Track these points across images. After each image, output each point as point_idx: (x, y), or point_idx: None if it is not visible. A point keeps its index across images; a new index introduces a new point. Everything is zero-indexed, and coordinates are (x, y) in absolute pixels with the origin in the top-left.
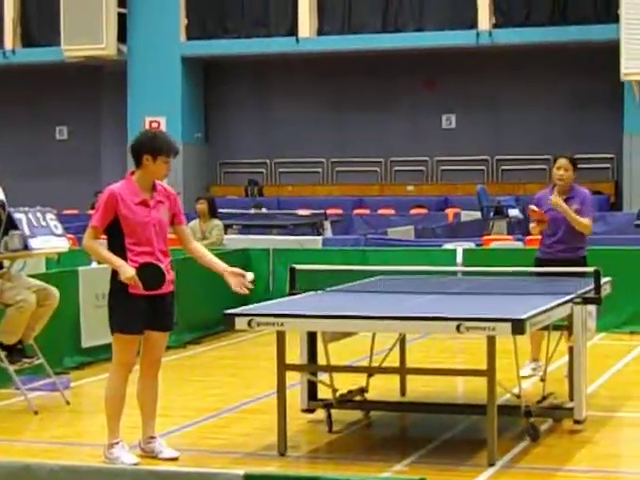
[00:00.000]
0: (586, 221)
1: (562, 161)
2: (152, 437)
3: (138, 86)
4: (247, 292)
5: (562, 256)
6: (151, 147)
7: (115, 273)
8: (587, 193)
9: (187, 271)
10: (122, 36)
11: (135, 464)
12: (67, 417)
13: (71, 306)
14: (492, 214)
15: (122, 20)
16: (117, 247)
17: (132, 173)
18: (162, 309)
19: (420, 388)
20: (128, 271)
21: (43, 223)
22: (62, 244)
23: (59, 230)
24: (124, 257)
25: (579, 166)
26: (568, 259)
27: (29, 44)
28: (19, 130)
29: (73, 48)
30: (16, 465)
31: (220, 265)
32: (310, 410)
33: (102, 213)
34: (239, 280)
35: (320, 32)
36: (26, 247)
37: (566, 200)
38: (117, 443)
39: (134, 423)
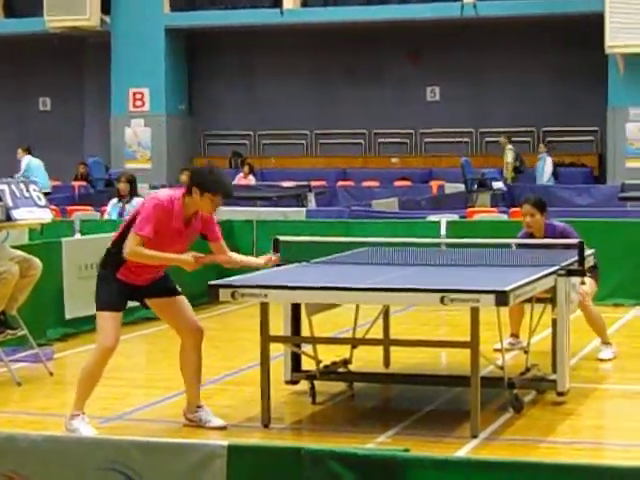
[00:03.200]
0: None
1: (526, 208)
2: (199, 406)
3: (122, 57)
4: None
5: None
6: (202, 182)
7: (115, 258)
8: (564, 228)
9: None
10: (106, 7)
11: None
12: (50, 388)
13: (54, 277)
14: (476, 186)
15: None
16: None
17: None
18: (156, 282)
19: (404, 360)
20: (190, 262)
21: (26, 194)
22: (45, 215)
23: (42, 201)
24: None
25: (564, 139)
26: None
27: (11, 14)
28: (2, 101)
29: (56, 19)
30: None
31: (248, 259)
32: (294, 382)
33: (153, 224)
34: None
35: (304, 4)
36: (9, 218)
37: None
38: (78, 415)
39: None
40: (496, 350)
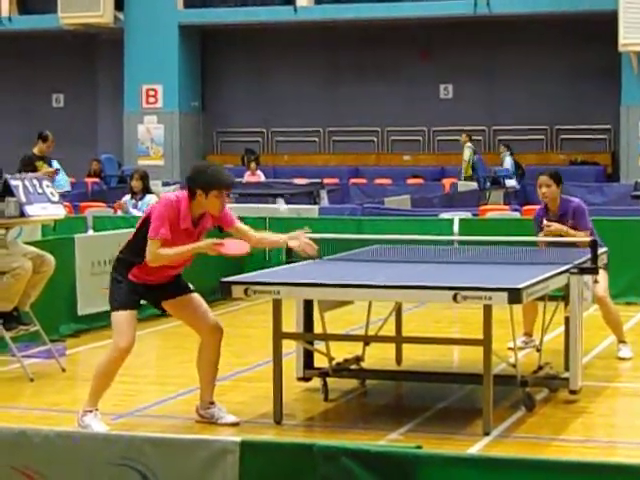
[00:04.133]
0: (585, 235)
1: (542, 178)
2: (211, 402)
3: (135, 54)
4: (315, 251)
5: None
6: (203, 182)
7: (125, 262)
8: (578, 204)
9: None
10: (119, 4)
11: None
12: (62, 384)
13: (67, 273)
14: (489, 184)
15: None
16: (139, 250)
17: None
18: (168, 283)
19: (416, 357)
20: (209, 246)
21: (39, 190)
22: (58, 211)
23: (55, 197)
24: (138, 261)
25: (577, 137)
26: None
27: (26, 11)
28: (16, 98)
29: (70, 16)
30: (12, 431)
31: (277, 237)
32: (306, 379)
33: (167, 223)
34: (301, 242)
35: (318, 1)
36: (22, 214)
37: (560, 217)
38: (91, 411)
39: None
40: (509, 349)
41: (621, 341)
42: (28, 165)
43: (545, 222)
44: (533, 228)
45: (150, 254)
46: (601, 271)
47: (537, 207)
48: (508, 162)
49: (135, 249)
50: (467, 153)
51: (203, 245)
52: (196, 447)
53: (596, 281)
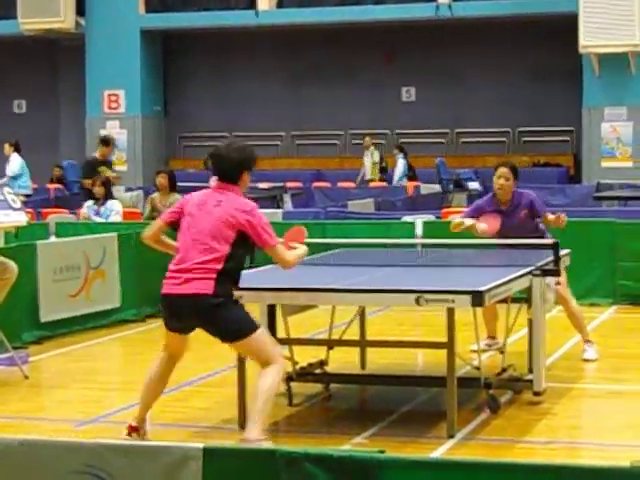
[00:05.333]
0: (552, 216)
1: (502, 170)
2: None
3: (97, 59)
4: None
5: None
6: (251, 161)
7: (230, 280)
8: (529, 194)
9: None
10: (80, 9)
11: None
12: (25, 392)
13: (29, 280)
14: (452, 187)
15: None
16: (239, 264)
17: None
18: None
19: (380, 361)
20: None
21: (0, 197)
22: (20, 218)
23: (17, 204)
24: (238, 276)
25: (539, 139)
26: None
27: None
28: None
29: (30, 21)
30: None
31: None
32: None
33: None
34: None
35: (280, 5)
36: None
37: (511, 209)
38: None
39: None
40: (473, 351)
41: (586, 340)
42: (91, 170)
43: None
44: (465, 213)
45: (288, 259)
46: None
47: (479, 200)
48: (401, 164)
49: (237, 263)
50: (376, 155)
51: (302, 255)
52: (158, 453)
53: (558, 283)
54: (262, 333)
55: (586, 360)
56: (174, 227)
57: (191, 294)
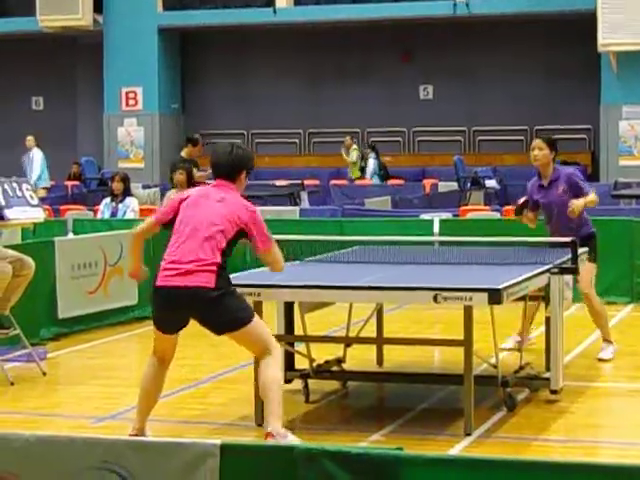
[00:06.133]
0: (590, 198)
1: (535, 141)
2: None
3: (114, 57)
4: None
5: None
6: (252, 162)
7: (226, 271)
8: (572, 171)
9: (160, 242)
10: (98, 6)
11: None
12: (43, 388)
13: (47, 277)
14: (469, 185)
15: None
16: (227, 260)
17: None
18: None
19: (397, 358)
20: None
21: (19, 193)
22: (38, 214)
23: (35, 200)
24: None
25: (556, 137)
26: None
27: (4, 14)
28: None
29: (49, 18)
30: None
31: None
32: (287, 380)
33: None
34: None
35: (297, 2)
36: (2, 217)
37: (550, 184)
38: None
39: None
40: (505, 349)
41: (605, 339)
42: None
43: (570, 207)
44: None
45: (282, 260)
46: (586, 264)
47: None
48: (372, 163)
49: (226, 259)
50: (355, 155)
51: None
52: (176, 450)
53: (577, 280)
54: (258, 322)
55: (600, 360)
56: (166, 227)
57: (193, 287)
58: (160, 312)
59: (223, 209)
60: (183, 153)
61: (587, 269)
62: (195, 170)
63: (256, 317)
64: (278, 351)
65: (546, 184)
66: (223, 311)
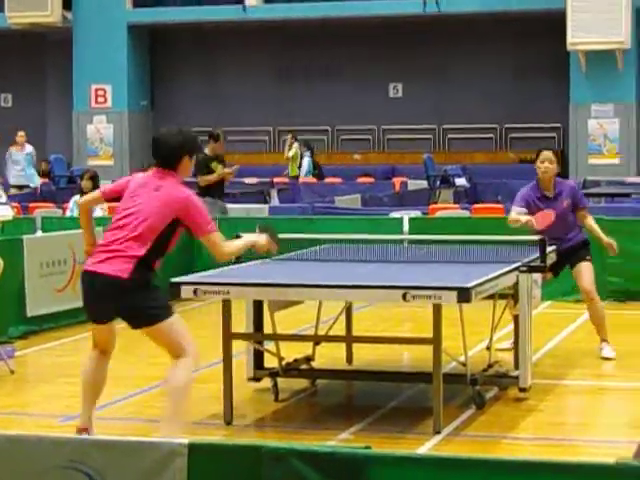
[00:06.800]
0: (590, 218)
1: (546, 153)
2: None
3: (83, 53)
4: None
5: (565, 247)
6: (195, 145)
7: (149, 265)
8: (574, 185)
9: None
10: (67, 3)
11: None
12: (11, 387)
13: (16, 275)
14: (439, 183)
15: None
16: (163, 250)
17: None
18: None
19: (366, 356)
20: (260, 240)
21: None
22: (6, 212)
23: (3, 198)
24: (154, 264)
25: (526, 135)
26: (572, 247)
27: None
28: None
29: (17, 15)
30: None
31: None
32: (256, 379)
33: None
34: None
35: (267, 0)
36: None
37: (556, 196)
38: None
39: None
40: (500, 349)
41: (603, 340)
42: (204, 166)
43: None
44: (514, 203)
45: (224, 247)
46: (586, 263)
47: (524, 188)
48: (306, 162)
49: (160, 249)
50: (292, 152)
51: (252, 242)
52: (144, 449)
53: (545, 278)
54: (174, 323)
55: (605, 358)
56: (111, 202)
57: (105, 274)
58: (84, 299)
59: (157, 200)
60: (207, 150)
61: (588, 268)
62: (220, 167)
63: (173, 318)
64: (192, 357)
65: (551, 196)
66: (134, 304)
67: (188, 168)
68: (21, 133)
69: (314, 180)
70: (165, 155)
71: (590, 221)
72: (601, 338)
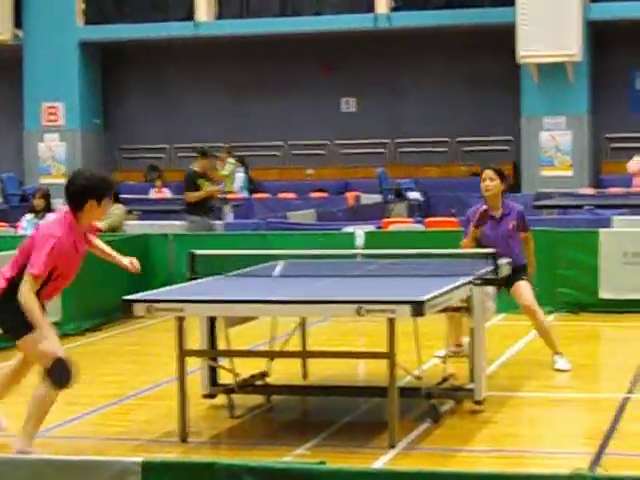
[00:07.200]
0: (531, 243)
1: (487, 172)
2: None
3: (35, 72)
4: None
5: None
6: (100, 191)
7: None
8: (521, 209)
9: (85, 257)
10: (18, 21)
11: None
12: None
13: None
14: (392, 197)
15: (18, 5)
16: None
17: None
18: None
19: (322, 371)
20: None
21: None
22: None
23: None
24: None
25: (479, 148)
26: (512, 269)
27: None
28: None
29: None
30: None
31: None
32: (211, 395)
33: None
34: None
35: (219, 16)
36: None
37: (502, 217)
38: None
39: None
40: (437, 357)
41: (556, 352)
42: (192, 183)
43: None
44: (463, 225)
45: (28, 291)
46: (524, 282)
47: (471, 209)
48: (239, 177)
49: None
50: (228, 168)
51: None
52: (98, 469)
53: (498, 291)
54: (37, 338)
55: (558, 370)
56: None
57: None
58: None
59: (34, 233)
60: (196, 167)
61: (526, 286)
62: (207, 184)
63: (35, 333)
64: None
65: (498, 217)
66: (3, 319)
67: (94, 212)
68: None
69: (245, 196)
70: (69, 196)
71: (530, 246)
72: (553, 352)
